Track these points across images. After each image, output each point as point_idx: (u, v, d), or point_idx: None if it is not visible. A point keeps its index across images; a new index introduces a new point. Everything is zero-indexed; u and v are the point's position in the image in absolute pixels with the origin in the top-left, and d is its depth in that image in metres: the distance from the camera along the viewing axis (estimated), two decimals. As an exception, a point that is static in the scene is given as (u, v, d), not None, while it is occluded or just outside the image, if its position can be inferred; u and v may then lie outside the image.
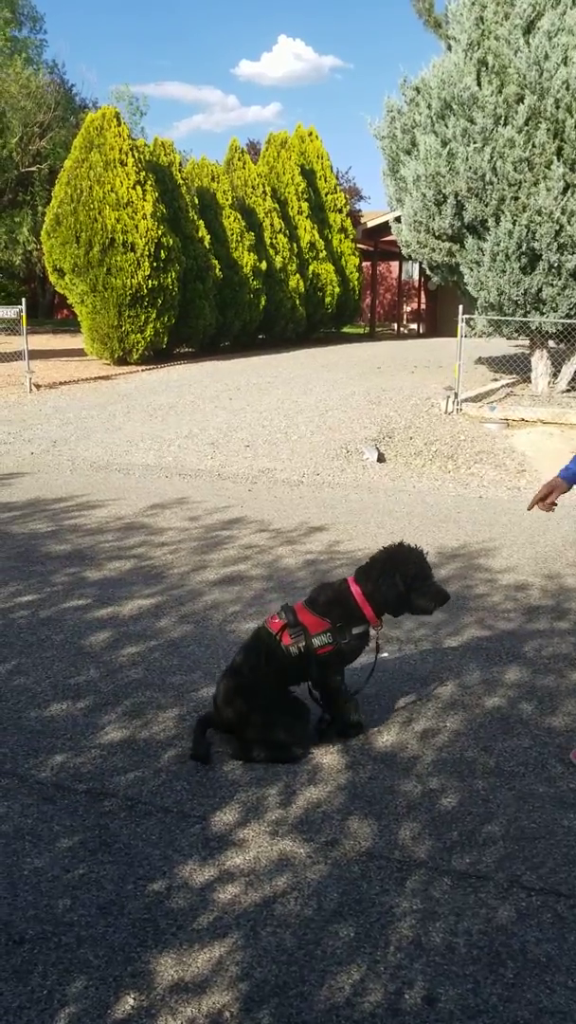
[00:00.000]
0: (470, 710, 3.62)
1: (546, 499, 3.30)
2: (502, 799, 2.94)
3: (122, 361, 17.17)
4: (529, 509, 3.40)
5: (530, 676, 3.98)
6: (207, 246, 18.06)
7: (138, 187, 16.24)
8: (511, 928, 2.32)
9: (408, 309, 34.47)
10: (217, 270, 18.26)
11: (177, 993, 2.10)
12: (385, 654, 3.47)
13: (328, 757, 3.20)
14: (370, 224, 25.64)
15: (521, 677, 3.97)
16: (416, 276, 31.10)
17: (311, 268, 22.10)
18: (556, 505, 3.34)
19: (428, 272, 14.74)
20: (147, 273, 16.08)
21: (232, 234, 19.11)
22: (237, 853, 2.63)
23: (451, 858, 2.61)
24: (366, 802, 2.91)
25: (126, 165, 16.35)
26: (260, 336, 21.28)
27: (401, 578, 3.18)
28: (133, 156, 16.46)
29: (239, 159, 21.00)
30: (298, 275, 21.18)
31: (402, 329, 31.80)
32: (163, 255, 16.31)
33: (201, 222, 18.14)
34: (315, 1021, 2.01)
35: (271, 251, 20.45)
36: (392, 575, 3.18)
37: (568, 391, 13.94)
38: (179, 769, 3.09)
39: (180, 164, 18.61)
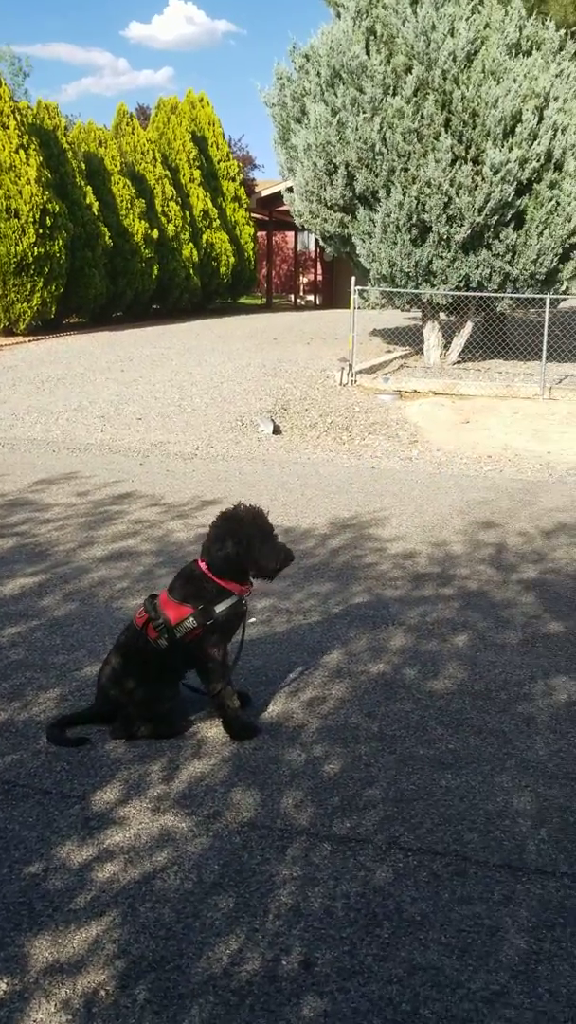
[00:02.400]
0: (355, 677, 3.67)
1: None
2: (383, 763, 2.99)
3: (8, 332, 16.60)
4: None
5: (414, 642, 4.06)
6: (96, 213, 17.59)
7: (21, 151, 15.65)
8: (388, 889, 2.37)
9: (305, 280, 34.47)
10: (107, 238, 17.83)
11: (51, 975, 2.06)
12: (252, 619, 3.39)
13: (213, 730, 3.19)
14: (264, 193, 25.43)
15: (406, 643, 4.05)
16: (312, 247, 31.09)
17: (205, 237, 21.81)
18: None
19: (322, 243, 14.74)
20: (32, 240, 15.56)
21: (122, 201, 18.66)
22: (117, 831, 2.59)
23: (332, 824, 2.65)
24: (250, 773, 2.92)
25: (8, 128, 15.73)
26: (154, 306, 20.93)
27: (233, 542, 3.05)
28: (15, 119, 15.84)
29: (128, 124, 20.47)
30: (191, 244, 20.88)
31: (299, 300, 31.80)
32: (49, 222, 15.80)
33: (89, 188, 17.64)
34: (192, 993, 2.01)
35: (163, 219, 20.08)
36: (223, 540, 3.07)
37: (459, 363, 14.23)
38: (59, 750, 3.03)
39: (66, 128, 18.01)
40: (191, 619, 3.07)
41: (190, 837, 2.57)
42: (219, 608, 3.10)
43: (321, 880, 2.40)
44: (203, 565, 3.13)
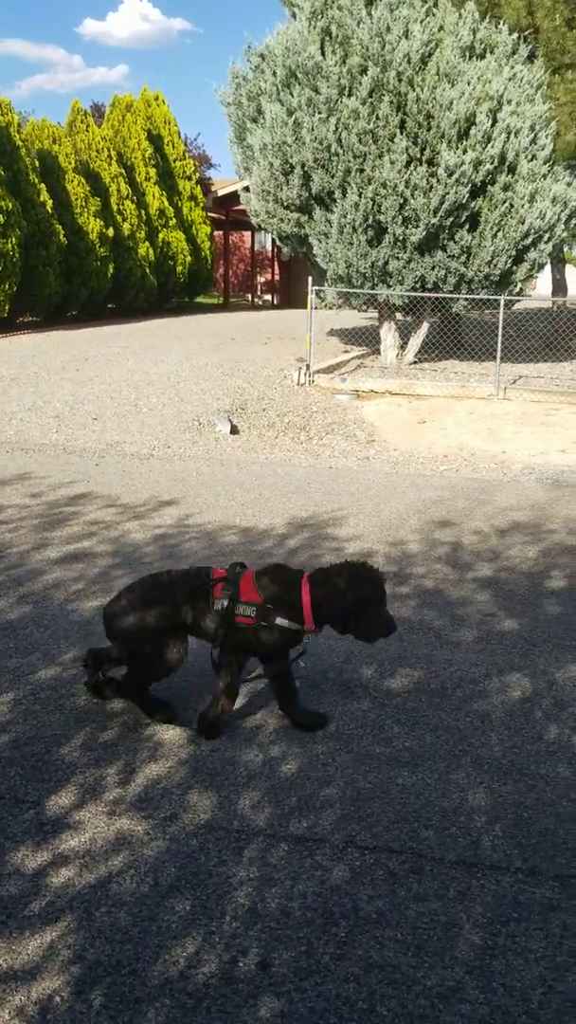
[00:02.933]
0: (312, 677, 3.67)
1: None
2: (341, 762, 3.00)
3: (-38, 331, 16.36)
4: None
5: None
6: (50, 211, 17.40)
7: (-27, 147, 15.41)
8: (345, 888, 2.37)
9: (262, 280, 34.48)
10: (61, 236, 17.64)
11: (5, 982, 2.03)
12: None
13: (170, 733, 3.17)
14: (221, 192, 25.37)
15: (363, 642, 4.05)
16: (269, 246, 31.09)
17: (161, 236, 21.69)
18: None
19: (279, 243, 14.74)
20: (-14, 238, 15.33)
21: (76, 199, 18.47)
22: (72, 836, 2.57)
23: (289, 824, 2.65)
24: (207, 775, 2.91)
25: (-40, 123, 15.48)
26: (109, 305, 20.75)
27: (353, 598, 3.03)
28: (-33, 114, 15.59)
29: (82, 121, 20.27)
30: (148, 243, 20.75)
31: (256, 300, 31.79)
32: (1, 220, 15.59)
33: (43, 186, 17.43)
34: (148, 997, 2.00)
35: (118, 218, 19.92)
36: (345, 592, 3.03)
37: (415, 363, 14.33)
38: (13, 755, 2.98)
39: (19, 125, 17.78)
40: (255, 608, 3.03)
41: (146, 840, 2.56)
42: (281, 622, 3.04)
43: (278, 880, 2.40)
44: (307, 586, 3.07)
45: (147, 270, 20.75)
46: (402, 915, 2.27)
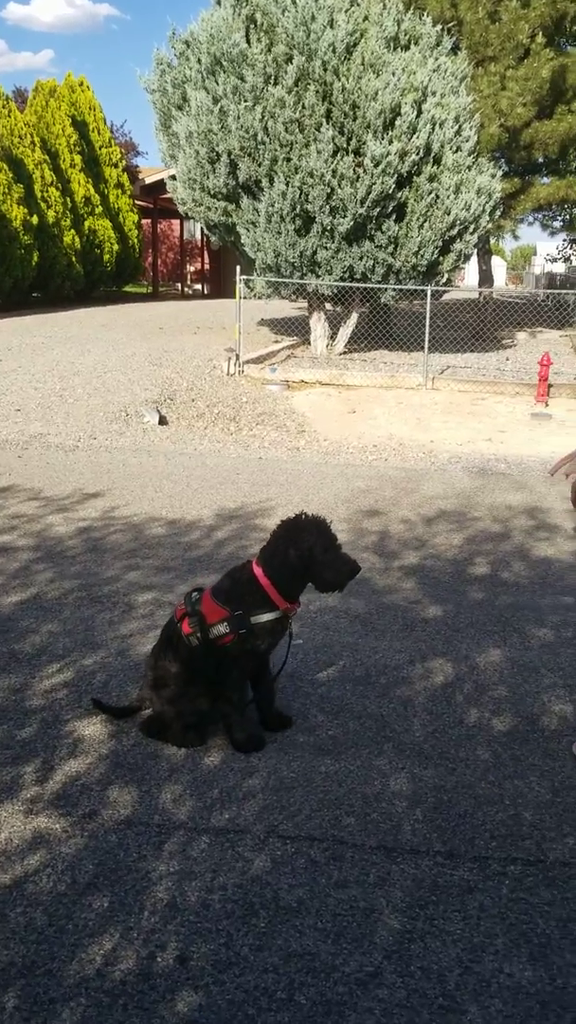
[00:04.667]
0: (237, 668, 3.65)
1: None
2: (264, 752, 2.99)
3: None
4: (552, 474, 2.94)
5: (297, 630, 4.05)
6: (-28, 198, 16.95)
7: None
8: (265, 878, 2.37)
9: (192, 269, 34.22)
10: (-16, 223, 17.21)
11: None
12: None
13: (91, 728, 3.12)
14: (148, 180, 25.07)
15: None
16: (199, 235, 30.86)
17: (87, 224, 21.33)
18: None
19: (207, 232, 14.63)
20: None
21: (-1, 186, 18.04)
22: (-13, 837, 2.51)
23: (210, 816, 2.63)
24: (128, 770, 2.87)
25: None
26: (34, 294, 20.35)
27: (296, 553, 2.87)
28: None
29: (4, 107, 19.78)
30: (73, 231, 20.39)
31: (186, 289, 31.54)
32: None
33: (-36, 171, 16.98)
34: (63, 997, 1.96)
35: (43, 205, 19.52)
36: (287, 551, 2.88)
37: (345, 353, 14.40)
38: None
39: None
40: (224, 624, 2.90)
41: (64, 838, 2.51)
42: (258, 619, 2.92)
43: (198, 873, 2.38)
44: (257, 570, 2.94)
45: (73, 258, 20.40)
46: (322, 903, 2.27)
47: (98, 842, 2.49)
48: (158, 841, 2.51)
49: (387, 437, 9.88)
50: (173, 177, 13.86)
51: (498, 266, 36.65)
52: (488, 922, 2.23)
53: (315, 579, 2.93)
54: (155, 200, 26.00)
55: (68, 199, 20.60)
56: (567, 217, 22.48)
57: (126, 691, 3.37)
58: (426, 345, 12.50)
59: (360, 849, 2.50)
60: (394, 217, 12.59)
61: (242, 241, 13.24)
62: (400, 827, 2.60)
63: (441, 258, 13.08)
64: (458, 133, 12.74)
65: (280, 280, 13.16)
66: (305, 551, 2.87)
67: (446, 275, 13.44)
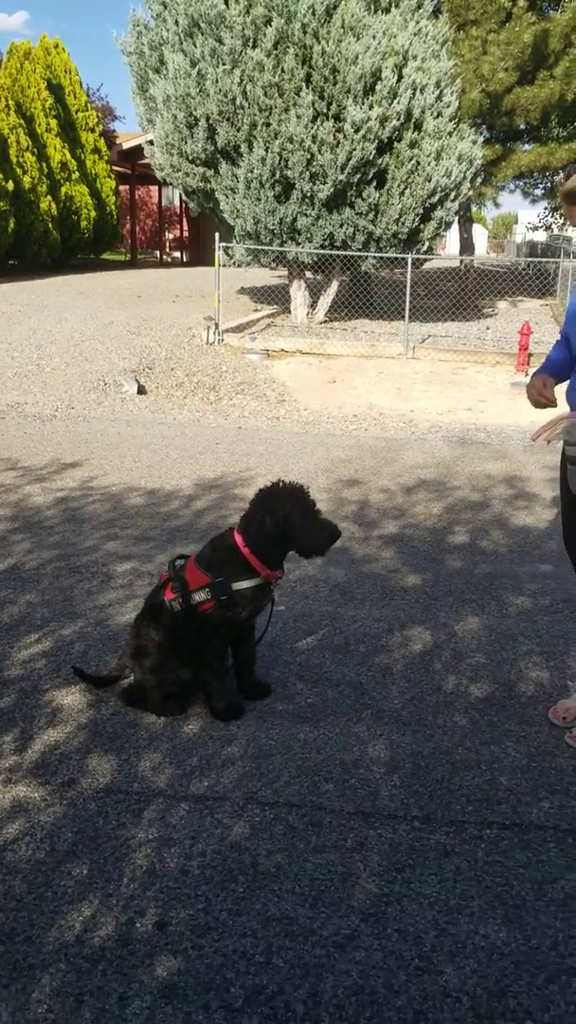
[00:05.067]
0: (216, 637, 3.65)
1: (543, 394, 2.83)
2: (243, 720, 3.00)
3: None
4: (534, 439, 2.82)
5: (277, 599, 4.07)
6: (-55, 162, 16.60)
7: None
8: (244, 844, 2.38)
9: (171, 236, 33.80)
10: (-42, 189, 16.87)
11: None
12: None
13: (70, 698, 3.12)
14: (126, 146, 24.61)
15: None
16: (178, 202, 30.43)
17: (64, 190, 20.96)
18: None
19: (185, 198, 14.43)
20: None
21: (-27, 150, 17.66)
22: (-34, 806, 2.50)
23: (190, 784, 2.64)
24: (107, 739, 2.87)
25: None
26: (11, 262, 20.02)
27: (272, 520, 2.87)
28: None
29: (-23, 67, 19.32)
30: (50, 197, 20.03)
31: (165, 257, 31.18)
32: None
33: None
34: (43, 963, 1.97)
35: (18, 171, 19.14)
36: (264, 519, 2.88)
37: (326, 322, 14.31)
38: None
39: None
40: (205, 590, 2.92)
41: (43, 807, 2.51)
42: (238, 586, 2.92)
43: (177, 840, 2.39)
44: (238, 538, 2.95)
45: (50, 225, 20.06)
46: (300, 868, 2.30)
47: (77, 810, 2.50)
48: (137, 809, 2.52)
49: (367, 406, 9.86)
50: (151, 142, 13.63)
51: (479, 234, 36.45)
52: (464, 885, 2.25)
53: (295, 545, 2.94)
54: (133, 166, 25.58)
55: (44, 164, 20.21)
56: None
57: (105, 661, 3.37)
58: (407, 314, 12.44)
59: (338, 815, 2.52)
60: (375, 184, 12.45)
61: (221, 208, 13.07)
62: (378, 793, 2.62)
63: (422, 226, 12.97)
64: (439, 98, 12.58)
65: (260, 247, 13.02)
66: (281, 518, 2.88)
67: (427, 243, 13.34)
